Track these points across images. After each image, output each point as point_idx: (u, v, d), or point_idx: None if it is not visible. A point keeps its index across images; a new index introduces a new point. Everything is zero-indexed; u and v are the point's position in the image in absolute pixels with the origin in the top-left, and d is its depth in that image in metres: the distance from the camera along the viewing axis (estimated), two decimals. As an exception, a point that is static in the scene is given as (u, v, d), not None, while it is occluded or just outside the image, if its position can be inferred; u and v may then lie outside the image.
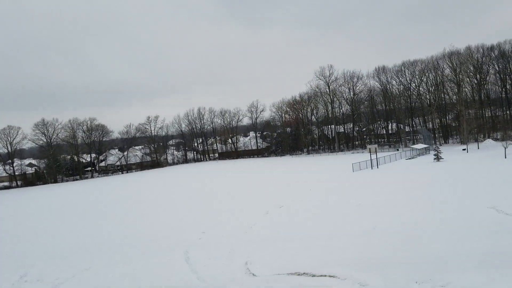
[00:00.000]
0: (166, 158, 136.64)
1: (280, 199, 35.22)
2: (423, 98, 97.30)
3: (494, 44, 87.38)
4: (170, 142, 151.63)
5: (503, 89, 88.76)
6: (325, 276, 11.16)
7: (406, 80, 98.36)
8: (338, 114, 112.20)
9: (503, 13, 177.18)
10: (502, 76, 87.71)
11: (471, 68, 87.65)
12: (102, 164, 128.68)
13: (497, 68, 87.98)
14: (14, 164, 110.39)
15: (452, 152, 66.66)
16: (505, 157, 49.27)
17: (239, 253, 18.26)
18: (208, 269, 16.20)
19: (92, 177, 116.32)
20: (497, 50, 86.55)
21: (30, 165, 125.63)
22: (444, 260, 12.50)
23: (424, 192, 30.42)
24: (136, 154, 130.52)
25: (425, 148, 70.73)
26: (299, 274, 12.34)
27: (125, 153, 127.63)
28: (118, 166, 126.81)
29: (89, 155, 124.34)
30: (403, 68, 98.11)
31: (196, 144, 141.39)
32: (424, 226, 19.48)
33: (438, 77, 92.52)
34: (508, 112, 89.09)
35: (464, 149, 67.58)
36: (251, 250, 18.50)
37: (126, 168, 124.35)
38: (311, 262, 14.62)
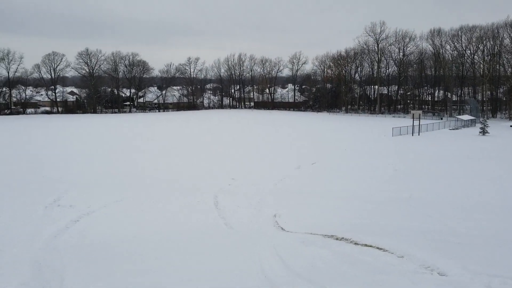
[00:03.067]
0: (202, 102, 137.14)
1: (314, 155, 34.47)
2: (476, 67, 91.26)
3: None
4: (208, 86, 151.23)
5: None
6: (371, 246, 10.22)
7: (462, 46, 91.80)
8: (384, 74, 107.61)
9: None
10: None
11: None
12: (141, 100, 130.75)
13: None
14: (56, 91, 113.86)
15: (499, 127, 63.06)
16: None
17: (267, 205, 17.90)
18: (235, 216, 15.97)
19: (130, 111, 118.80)
20: None
21: (72, 93, 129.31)
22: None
23: (467, 165, 28.81)
24: (173, 94, 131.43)
25: (471, 120, 67.18)
26: (337, 239, 11.30)
27: (164, 92, 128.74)
28: (155, 104, 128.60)
29: (128, 90, 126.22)
30: (460, 33, 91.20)
31: (233, 91, 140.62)
32: (465, 200, 18.29)
33: (496, 47, 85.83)
34: None
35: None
36: (280, 203, 18.09)
37: (163, 107, 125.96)
38: (345, 225, 13.98)
